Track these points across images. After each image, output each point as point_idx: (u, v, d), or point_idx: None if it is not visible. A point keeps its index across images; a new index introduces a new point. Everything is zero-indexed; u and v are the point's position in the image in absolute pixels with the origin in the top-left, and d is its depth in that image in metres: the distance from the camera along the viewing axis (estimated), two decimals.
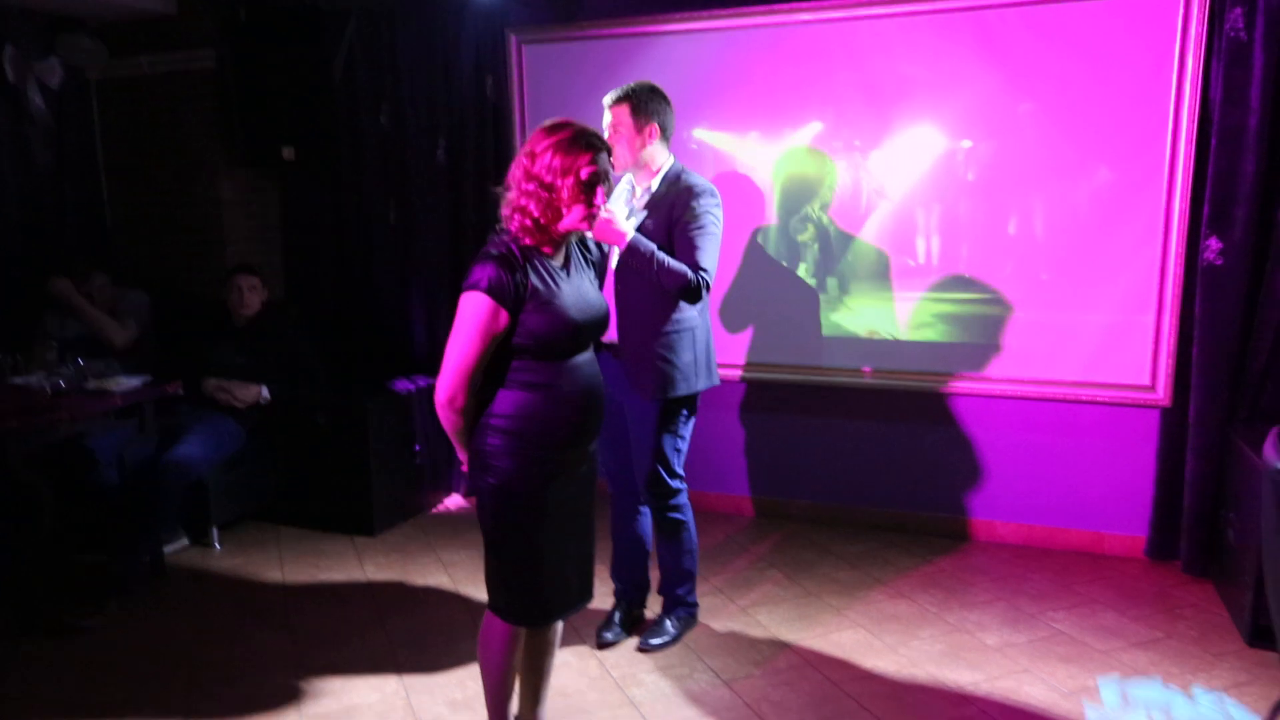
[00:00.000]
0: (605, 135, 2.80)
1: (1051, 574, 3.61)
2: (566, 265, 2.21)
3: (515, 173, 2.13)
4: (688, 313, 2.88)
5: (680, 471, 3.00)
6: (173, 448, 3.73)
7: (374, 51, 4.51)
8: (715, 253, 2.82)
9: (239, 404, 4.03)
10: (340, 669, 2.99)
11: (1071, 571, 3.62)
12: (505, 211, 2.15)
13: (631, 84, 2.84)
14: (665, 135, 2.88)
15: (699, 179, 2.88)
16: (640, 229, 2.81)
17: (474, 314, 2.06)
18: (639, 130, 2.81)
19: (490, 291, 2.04)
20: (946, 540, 3.95)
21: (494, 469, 2.13)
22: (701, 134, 4.03)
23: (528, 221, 2.11)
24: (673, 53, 3.99)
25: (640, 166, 2.87)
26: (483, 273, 2.05)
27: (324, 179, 4.76)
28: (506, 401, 2.13)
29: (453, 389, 2.09)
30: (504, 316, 2.06)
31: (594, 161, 2.10)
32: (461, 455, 2.24)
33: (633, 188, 2.94)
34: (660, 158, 2.88)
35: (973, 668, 2.93)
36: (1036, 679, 2.85)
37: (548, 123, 2.15)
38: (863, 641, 3.10)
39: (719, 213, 2.85)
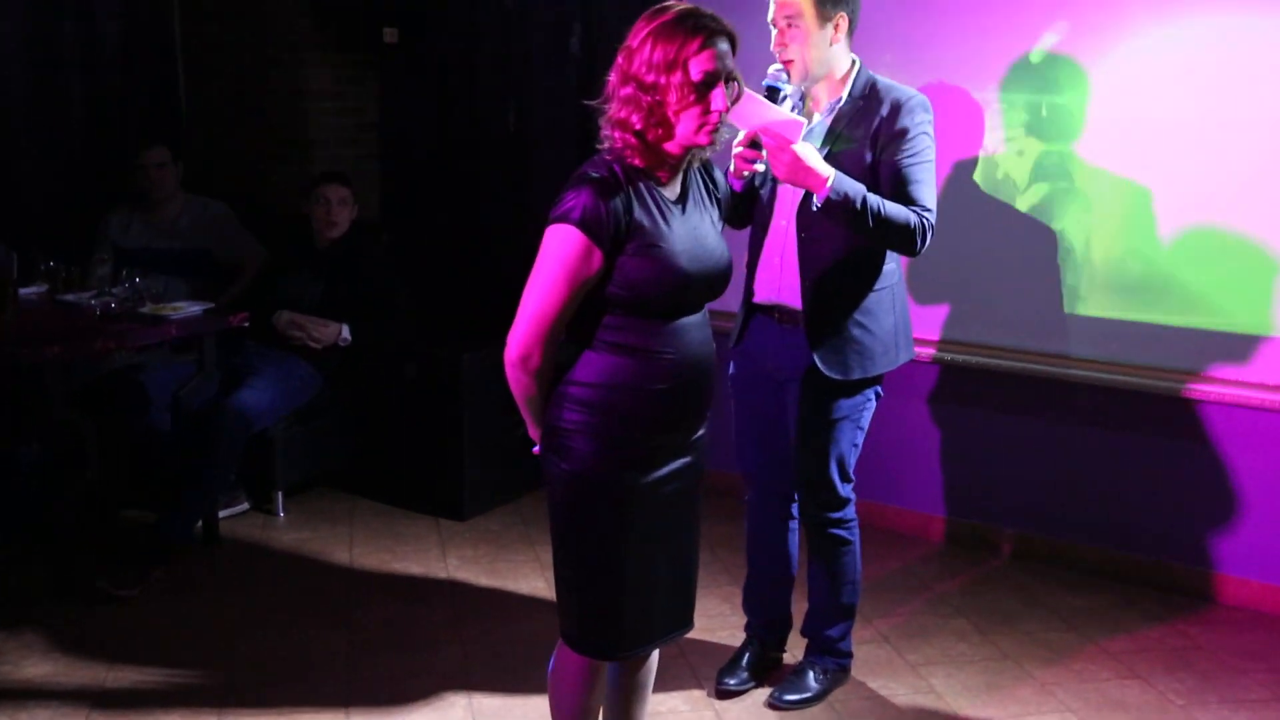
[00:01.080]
0: (774, 33, 2.73)
1: None
2: (683, 199, 2.18)
3: (612, 79, 2.09)
4: (890, 265, 2.87)
5: (853, 475, 2.97)
6: (236, 392, 3.90)
7: None
8: (934, 183, 2.78)
9: (315, 344, 4.15)
10: (403, 682, 3.08)
11: None
12: (605, 131, 2.12)
13: None
14: (851, 31, 2.76)
15: (902, 88, 2.79)
16: (826, 160, 2.69)
17: (561, 252, 2.04)
18: (823, 23, 2.68)
19: (583, 225, 2.02)
20: (1207, 604, 3.72)
21: (570, 451, 2.13)
22: (903, 27, 3.89)
23: (630, 137, 2.07)
24: None
25: (820, 76, 2.76)
26: (576, 200, 2.03)
27: (432, 70, 4.87)
28: (591, 367, 2.13)
29: (527, 344, 2.09)
30: (598, 257, 2.05)
31: (706, 46, 2.01)
32: (533, 432, 2.25)
33: (799, 106, 2.83)
34: (845, 61, 2.79)
35: None
36: None
37: (651, 9, 2.08)
38: None
39: (933, 130, 2.78)
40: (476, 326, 4.47)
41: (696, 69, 2.01)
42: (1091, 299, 3.80)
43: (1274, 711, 3.08)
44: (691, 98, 2.02)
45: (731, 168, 2.77)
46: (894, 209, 2.63)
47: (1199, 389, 3.63)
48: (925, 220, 2.69)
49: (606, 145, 2.13)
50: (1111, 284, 3.77)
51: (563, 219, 2.03)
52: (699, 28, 2.02)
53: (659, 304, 2.11)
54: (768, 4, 2.76)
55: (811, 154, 2.56)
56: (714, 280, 2.20)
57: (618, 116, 2.07)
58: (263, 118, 4.87)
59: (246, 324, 3.97)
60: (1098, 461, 3.89)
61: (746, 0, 2.82)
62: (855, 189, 2.59)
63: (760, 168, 2.74)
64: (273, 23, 4.77)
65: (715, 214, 2.29)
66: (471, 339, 4.29)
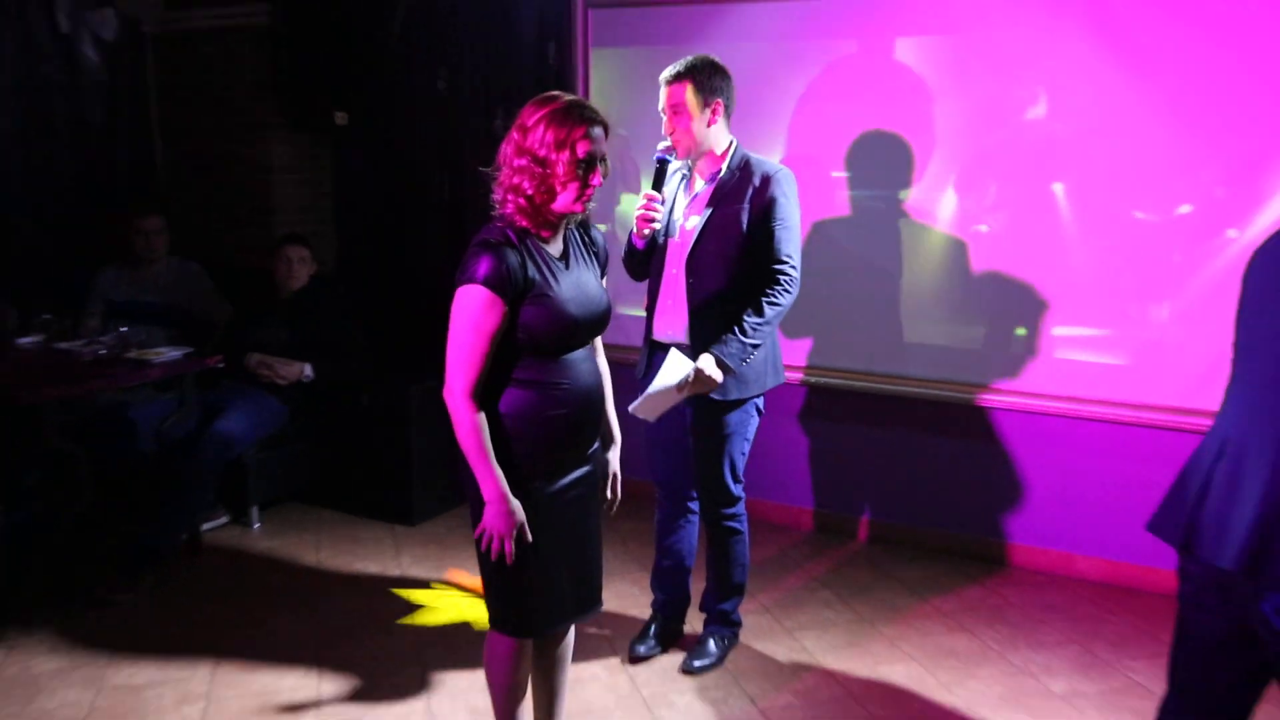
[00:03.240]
0: (663, 117, 2.79)
1: (1134, 617, 3.48)
2: (566, 256, 2.19)
3: (506, 150, 2.10)
4: None
5: (742, 478, 3.00)
6: (216, 421, 3.84)
7: (433, 12, 4.52)
8: (799, 241, 2.84)
9: (281, 381, 4.12)
10: (364, 665, 3.06)
11: (1157, 616, 3.45)
12: (498, 195, 2.12)
13: (689, 58, 2.76)
14: (728, 115, 2.82)
15: (770, 163, 2.85)
16: (709, 221, 2.79)
17: (472, 308, 2.04)
18: (702, 109, 2.74)
19: (487, 283, 2.02)
20: (1021, 571, 3.85)
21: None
22: (773, 112, 3.95)
23: (522, 201, 2.08)
24: (746, 22, 3.93)
25: (702, 152, 2.81)
26: (481, 265, 2.03)
27: (377, 147, 4.81)
28: (506, 403, 2.13)
29: (464, 389, 2.07)
30: (502, 308, 2.04)
31: (588, 136, 2.06)
32: (488, 483, 2.09)
33: (687, 179, 2.90)
34: (724, 140, 2.83)
35: (1033, 716, 2.84)
36: None
37: (539, 96, 2.13)
38: (915, 677, 3.05)
39: (797, 197, 2.84)
40: (419, 362, 4.40)
41: (581, 149, 2.04)
42: (918, 329, 3.86)
43: (1066, 651, 3.24)
44: (576, 172, 2.05)
45: (634, 229, 2.81)
46: (758, 323, 2.73)
47: (1041, 404, 3.70)
48: (787, 285, 2.77)
49: (498, 210, 2.12)
50: (935, 317, 3.84)
51: (469, 281, 2.03)
52: (584, 117, 2.06)
53: (552, 344, 2.11)
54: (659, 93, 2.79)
55: (711, 370, 2.71)
56: (596, 323, 2.20)
57: (511, 182, 2.07)
58: (231, 188, 4.81)
59: (222, 365, 3.92)
60: (929, 459, 3.98)
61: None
62: (738, 353, 2.73)
63: (658, 225, 2.79)
64: (239, 106, 4.72)
65: (595, 266, 2.27)
66: (415, 372, 4.28)
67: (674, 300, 2.86)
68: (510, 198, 2.09)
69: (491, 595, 2.25)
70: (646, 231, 2.79)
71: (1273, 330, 1.74)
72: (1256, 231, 3.30)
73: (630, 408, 2.68)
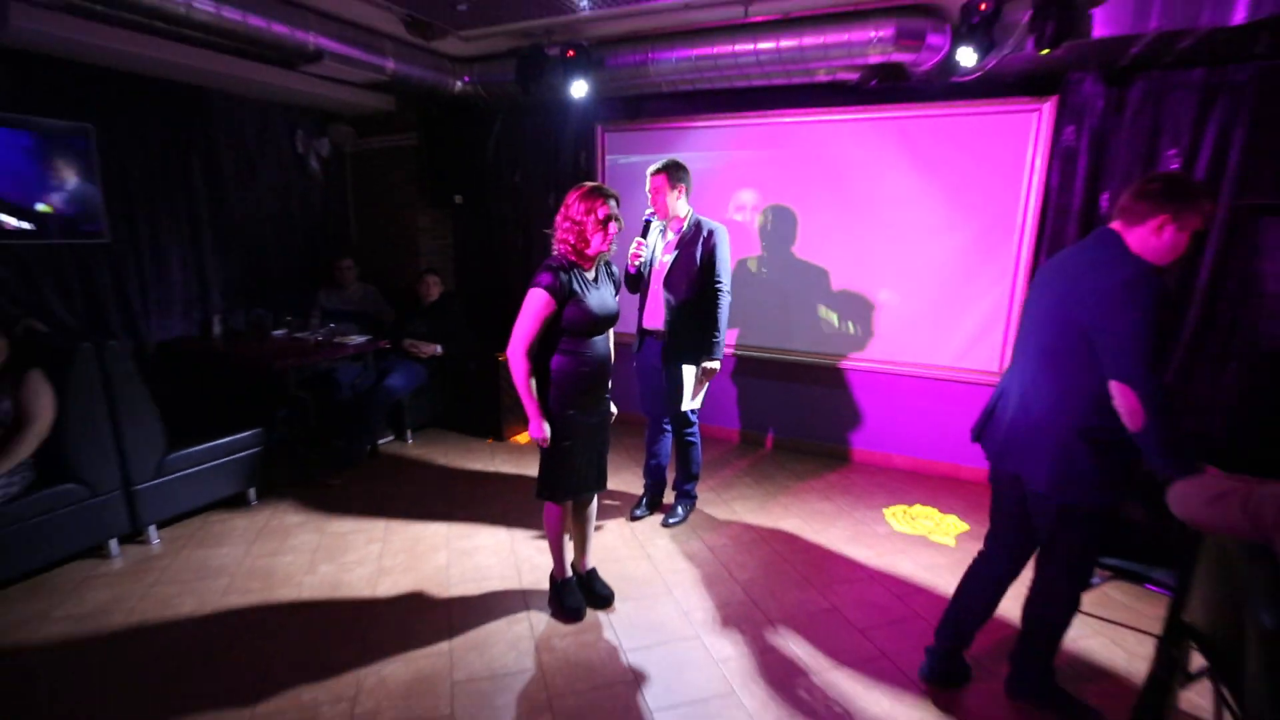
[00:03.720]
0: (648, 195, 2.75)
1: (926, 491, 3.51)
2: (595, 279, 2.18)
3: (558, 219, 2.12)
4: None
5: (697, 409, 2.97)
6: (385, 380, 3.81)
7: (511, 136, 4.50)
8: (729, 270, 2.82)
9: (423, 355, 4.04)
10: (474, 520, 3.08)
11: (939, 489, 3.52)
12: (554, 245, 2.15)
13: (665, 159, 2.75)
14: (688, 193, 2.79)
15: (713, 223, 2.79)
16: (676, 258, 2.74)
17: (535, 304, 2.05)
18: (671, 190, 2.73)
19: (547, 289, 2.04)
20: (861, 465, 3.85)
21: (548, 408, 2.16)
22: (714, 191, 3.94)
23: (568, 247, 2.10)
24: (700, 139, 3.93)
25: (671, 216, 2.79)
26: (544, 278, 2.05)
27: (479, 216, 4.73)
28: (555, 363, 2.14)
29: (522, 348, 2.08)
30: (553, 305, 2.05)
31: (606, 205, 2.06)
32: (534, 416, 2.08)
33: (663, 231, 2.89)
34: (684, 209, 2.79)
35: (868, 549, 2.89)
36: (908, 559, 2.82)
37: (576, 184, 2.12)
38: (799, 527, 3.08)
39: (728, 243, 2.81)
40: (504, 344, 4.26)
41: (602, 214, 2.07)
42: (802, 321, 3.83)
43: (883, 506, 3.27)
44: (600, 229, 2.07)
45: (629, 263, 2.79)
46: (715, 325, 2.64)
47: (870, 365, 3.71)
48: (722, 297, 2.68)
49: (557, 251, 2.14)
50: (809, 315, 3.81)
51: (536, 285, 2.06)
52: (604, 194, 2.09)
53: (584, 330, 2.11)
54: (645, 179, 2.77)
55: (709, 364, 2.63)
56: (611, 319, 2.20)
57: (561, 236, 2.10)
58: (394, 241, 4.69)
59: (388, 346, 3.93)
60: (809, 399, 3.94)
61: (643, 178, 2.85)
62: (712, 350, 2.64)
63: (643, 260, 2.74)
64: (399, 193, 4.71)
65: (612, 288, 2.26)
66: (501, 349, 4.17)
67: (655, 305, 2.84)
68: (562, 246, 2.12)
69: (541, 475, 2.25)
70: (637, 263, 2.79)
71: (1031, 322, 1.75)
72: (992, 264, 3.35)
73: (686, 409, 2.72)
